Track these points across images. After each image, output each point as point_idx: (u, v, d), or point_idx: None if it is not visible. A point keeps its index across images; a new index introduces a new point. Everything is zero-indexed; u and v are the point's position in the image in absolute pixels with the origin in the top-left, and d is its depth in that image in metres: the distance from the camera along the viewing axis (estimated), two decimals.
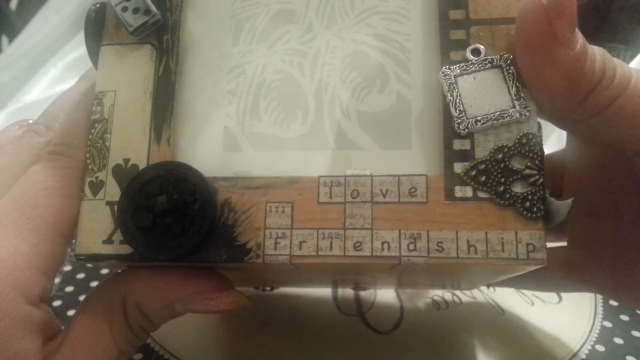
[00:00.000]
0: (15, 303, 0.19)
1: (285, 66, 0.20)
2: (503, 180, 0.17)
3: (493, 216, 0.17)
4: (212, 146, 0.20)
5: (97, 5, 0.21)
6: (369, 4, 0.20)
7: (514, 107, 0.18)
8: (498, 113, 0.18)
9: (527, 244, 0.17)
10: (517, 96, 0.18)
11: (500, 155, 0.18)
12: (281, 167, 0.19)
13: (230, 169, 0.20)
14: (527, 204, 0.17)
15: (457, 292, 0.33)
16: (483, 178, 0.18)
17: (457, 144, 0.18)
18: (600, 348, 0.29)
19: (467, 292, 0.33)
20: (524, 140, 0.18)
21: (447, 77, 0.18)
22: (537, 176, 0.17)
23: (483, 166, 0.18)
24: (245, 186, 0.19)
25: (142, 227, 0.18)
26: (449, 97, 0.18)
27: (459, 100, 0.18)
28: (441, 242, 0.17)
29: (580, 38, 0.18)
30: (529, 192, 0.17)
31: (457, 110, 0.18)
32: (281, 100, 0.20)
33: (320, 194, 0.18)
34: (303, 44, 0.20)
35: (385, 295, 0.32)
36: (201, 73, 0.21)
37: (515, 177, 0.18)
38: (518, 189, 0.17)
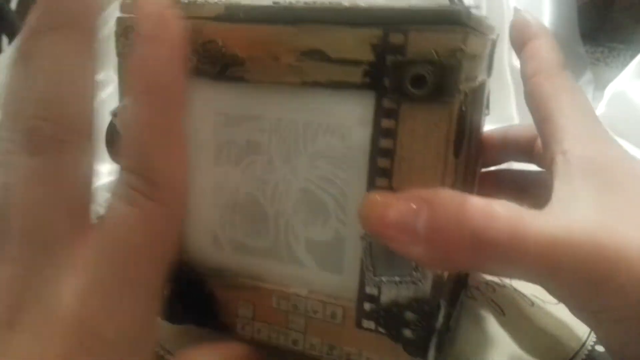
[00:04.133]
0: None
1: (253, 190, 0.24)
2: (396, 325, 0.22)
3: (387, 346, 0.23)
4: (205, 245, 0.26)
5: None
6: (318, 148, 0.22)
7: (413, 274, 0.21)
8: (398, 278, 0.22)
9: None
10: (416, 267, 0.21)
11: (396, 308, 0.22)
12: (252, 270, 0.25)
13: (215, 262, 0.25)
14: (412, 347, 0.22)
15: None
16: (383, 320, 0.22)
17: (368, 289, 0.22)
18: (600, 348, 0.29)
19: (467, 293, 0.33)
20: (414, 304, 0.22)
21: (364, 240, 0.22)
22: (421, 329, 0.22)
23: (383, 312, 0.22)
24: (225, 284, 0.25)
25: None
26: (364, 259, 0.22)
27: (370, 261, 0.22)
28: (349, 355, 0.24)
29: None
30: (414, 338, 0.22)
31: (368, 269, 0.22)
32: (251, 218, 0.25)
33: (273, 302, 0.25)
34: (265, 174, 0.24)
35: None
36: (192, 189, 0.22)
37: (405, 325, 0.22)
38: (407, 334, 0.22)
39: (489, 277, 0.35)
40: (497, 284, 0.34)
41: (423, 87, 0.19)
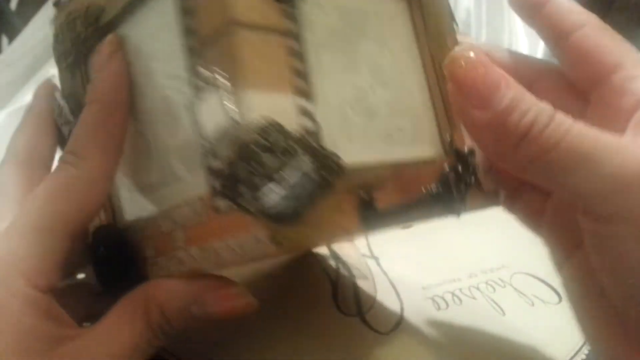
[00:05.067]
0: (21, 285, 0.21)
1: (139, 127, 0.25)
2: (230, 191, 0.20)
3: (246, 226, 0.20)
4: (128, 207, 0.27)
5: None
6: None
7: (228, 119, 0.20)
8: (220, 130, 0.20)
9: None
10: (230, 105, 0.20)
11: (230, 169, 0.20)
12: (154, 209, 0.25)
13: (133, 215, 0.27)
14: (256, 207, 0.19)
15: (457, 293, 0.33)
16: (229, 191, 0.20)
17: (209, 163, 0.21)
18: None
19: (467, 293, 0.33)
20: (239, 156, 0.19)
21: (188, 103, 0.22)
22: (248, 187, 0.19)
23: (224, 182, 0.20)
24: (140, 235, 0.25)
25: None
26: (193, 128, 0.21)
27: (198, 126, 0.21)
28: (217, 250, 0.21)
29: (507, 95, 0.20)
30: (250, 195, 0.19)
31: (200, 139, 0.21)
32: (143, 156, 0.25)
33: (161, 226, 0.24)
34: (138, 103, 0.25)
35: (386, 295, 0.32)
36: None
37: (236, 185, 0.20)
38: (242, 190, 0.20)
39: (489, 278, 0.35)
40: (497, 284, 0.34)
41: None
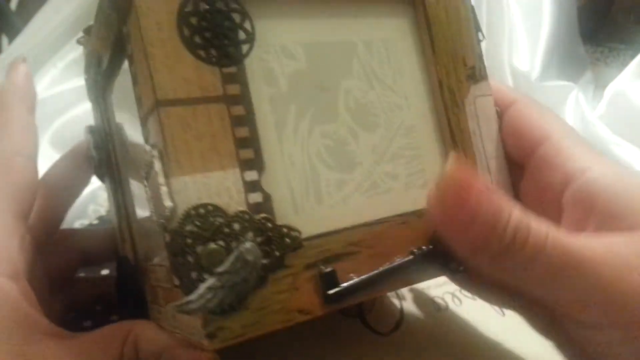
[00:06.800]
0: None
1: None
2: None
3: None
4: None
5: None
6: None
7: (159, 204, 0.18)
8: (156, 213, 0.19)
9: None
10: (158, 190, 0.18)
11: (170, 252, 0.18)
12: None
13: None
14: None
15: (457, 293, 0.33)
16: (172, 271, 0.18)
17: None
18: None
19: (467, 293, 0.33)
20: (170, 241, 0.18)
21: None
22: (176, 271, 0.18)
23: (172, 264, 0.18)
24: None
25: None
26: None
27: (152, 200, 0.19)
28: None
29: (490, 209, 0.19)
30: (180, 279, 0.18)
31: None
32: None
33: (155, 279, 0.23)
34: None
35: (386, 296, 0.32)
36: None
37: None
38: (179, 274, 0.18)
39: None
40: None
41: None
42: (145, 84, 0.18)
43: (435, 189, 0.19)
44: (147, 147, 0.18)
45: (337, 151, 0.21)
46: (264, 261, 0.18)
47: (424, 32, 0.24)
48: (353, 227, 0.21)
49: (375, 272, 0.20)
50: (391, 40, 0.24)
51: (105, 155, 0.28)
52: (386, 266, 0.21)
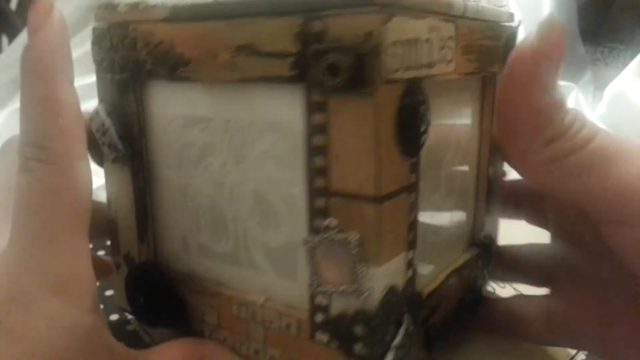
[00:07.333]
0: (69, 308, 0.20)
1: (212, 193, 0.23)
2: (347, 339, 0.20)
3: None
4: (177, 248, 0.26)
5: None
6: (263, 148, 0.21)
7: (359, 284, 0.19)
8: (343, 288, 0.20)
9: None
10: (360, 275, 0.19)
11: (345, 321, 0.20)
12: (215, 275, 0.24)
13: (185, 266, 0.25)
14: None
15: None
16: (334, 332, 0.20)
17: (318, 299, 0.20)
18: None
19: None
20: (363, 317, 0.20)
21: (306, 244, 0.20)
22: (372, 345, 0.20)
23: (334, 324, 0.20)
24: (193, 289, 0.25)
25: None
26: (308, 265, 0.20)
27: (314, 267, 0.20)
28: None
29: (559, 91, 0.20)
30: (366, 354, 0.20)
31: (313, 275, 0.20)
32: (212, 222, 0.24)
33: (233, 309, 0.23)
34: (221, 176, 0.23)
35: None
36: (163, 193, 0.25)
37: (355, 340, 0.20)
38: (358, 349, 0.20)
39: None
40: (497, 284, 0.34)
41: (337, 76, 0.17)
42: (352, 165, 0.18)
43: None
44: (332, 221, 0.19)
45: (435, 216, 0.24)
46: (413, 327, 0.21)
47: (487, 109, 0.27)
48: (446, 277, 0.25)
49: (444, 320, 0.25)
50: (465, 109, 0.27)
51: (129, 147, 0.25)
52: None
